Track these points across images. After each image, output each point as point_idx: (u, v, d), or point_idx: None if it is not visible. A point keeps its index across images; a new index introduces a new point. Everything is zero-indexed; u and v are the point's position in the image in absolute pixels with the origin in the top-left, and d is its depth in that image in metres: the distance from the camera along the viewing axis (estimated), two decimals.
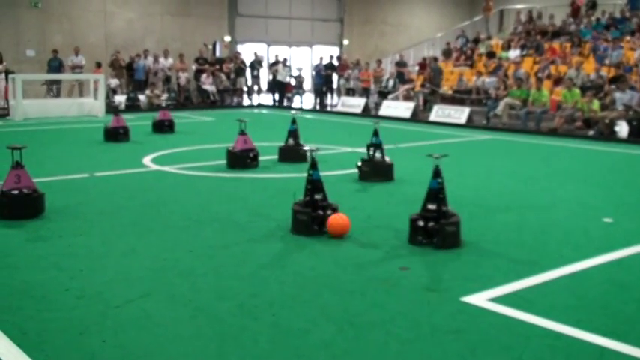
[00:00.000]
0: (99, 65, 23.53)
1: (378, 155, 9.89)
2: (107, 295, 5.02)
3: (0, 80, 21.76)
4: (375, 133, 9.97)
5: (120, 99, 22.86)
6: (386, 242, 6.54)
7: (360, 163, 9.97)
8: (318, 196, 6.89)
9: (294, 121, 11.77)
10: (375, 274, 5.58)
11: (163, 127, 15.95)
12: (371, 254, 6.14)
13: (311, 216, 6.74)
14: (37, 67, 23.39)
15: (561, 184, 9.96)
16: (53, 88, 22.98)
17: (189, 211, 7.88)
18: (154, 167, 11.02)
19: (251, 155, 10.98)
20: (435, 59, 25.10)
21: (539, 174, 10.72)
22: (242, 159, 10.90)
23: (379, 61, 25.78)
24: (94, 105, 20.79)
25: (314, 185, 6.89)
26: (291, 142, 11.73)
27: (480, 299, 4.99)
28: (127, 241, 6.52)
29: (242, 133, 11.08)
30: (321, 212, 6.79)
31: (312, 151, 7.06)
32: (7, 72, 21.42)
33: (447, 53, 26.22)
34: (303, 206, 6.85)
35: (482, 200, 8.62)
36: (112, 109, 21.48)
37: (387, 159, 9.94)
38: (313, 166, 6.92)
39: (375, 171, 9.85)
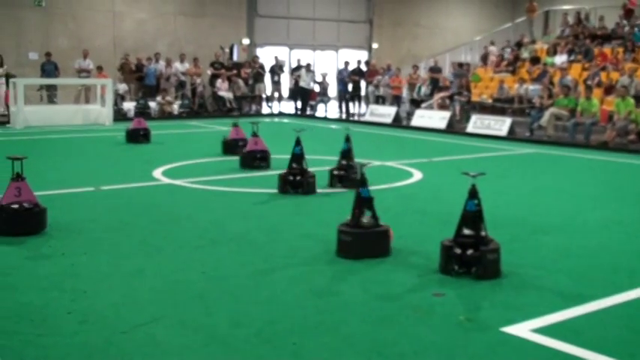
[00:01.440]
0: (100, 69, 23.70)
1: None
2: (113, 320, 5.04)
3: (0, 85, 22.07)
4: None
5: (128, 106, 23.08)
6: (418, 266, 6.51)
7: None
8: (367, 214, 6.75)
9: (347, 139, 10.68)
10: (406, 301, 5.55)
11: (138, 136, 15.99)
12: (402, 279, 6.11)
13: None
14: (39, 71, 23.69)
15: (612, 203, 9.84)
16: (45, 94, 23.10)
17: (203, 228, 7.91)
18: (165, 180, 11.09)
19: (258, 156, 12.04)
20: (460, 65, 25.03)
21: (588, 192, 10.62)
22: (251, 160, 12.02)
23: (415, 67, 25.76)
24: (100, 112, 21.01)
25: (363, 203, 6.72)
26: (344, 163, 10.57)
27: (522, 330, 4.93)
28: (135, 261, 6.56)
29: (254, 134, 12.21)
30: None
31: (362, 165, 6.95)
32: (8, 76, 21.69)
33: (485, 58, 26.20)
34: (351, 227, 6.71)
35: (525, 221, 8.55)
36: (120, 116, 21.79)
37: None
38: (363, 183, 6.77)
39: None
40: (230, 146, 14.18)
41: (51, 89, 23.33)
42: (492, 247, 6.17)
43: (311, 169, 10.17)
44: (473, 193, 6.19)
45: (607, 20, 25.76)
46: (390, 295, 5.68)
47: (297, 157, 9.95)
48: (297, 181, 9.88)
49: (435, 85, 23.86)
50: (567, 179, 12.05)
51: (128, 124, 16.80)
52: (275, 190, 10.20)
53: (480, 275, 6.05)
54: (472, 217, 6.17)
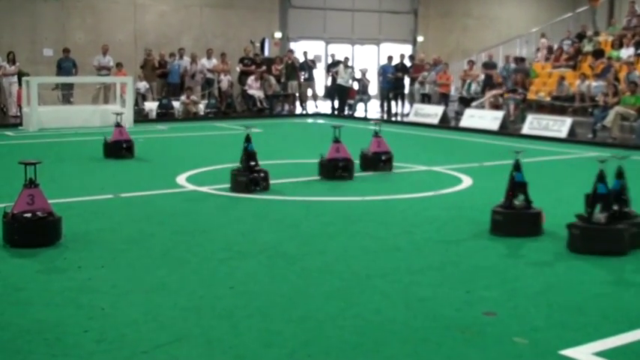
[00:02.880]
0: (119, 66, 23.95)
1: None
2: (132, 339, 5.09)
3: (12, 84, 22.41)
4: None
5: (150, 106, 23.30)
6: (467, 281, 6.48)
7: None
8: (518, 201, 8.26)
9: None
10: (453, 320, 5.52)
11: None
12: (448, 295, 6.09)
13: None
14: (55, 69, 24.01)
15: None
16: (60, 94, 23.37)
17: (231, 240, 7.96)
18: (190, 187, 11.17)
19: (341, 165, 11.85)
20: (522, 59, 24.84)
21: None
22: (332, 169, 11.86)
23: (471, 62, 25.59)
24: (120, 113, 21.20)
25: (517, 187, 8.26)
26: (252, 164, 10.85)
27: (583, 353, 4.89)
28: (157, 275, 6.62)
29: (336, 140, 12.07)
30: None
31: (517, 152, 8.47)
32: (21, 74, 21.98)
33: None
34: (505, 208, 8.25)
35: None
36: (141, 117, 22.00)
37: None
38: (517, 167, 8.34)
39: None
40: (112, 149, 14.14)
41: (67, 88, 23.58)
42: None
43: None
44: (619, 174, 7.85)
45: None
46: (435, 313, 5.66)
47: (253, 155, 10.89)
48: (259, 178, 10.81)
49: (487, 82, 23.71)
50: (636, 186, 11.87)
51: (109, 133, 16.03)
52: (311, 197, 10.24)
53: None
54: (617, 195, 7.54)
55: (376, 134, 12.90)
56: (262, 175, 10.90)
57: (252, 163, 10.84)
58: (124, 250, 7.47)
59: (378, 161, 12.61)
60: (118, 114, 15.00)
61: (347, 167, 11.88)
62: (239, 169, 10.87)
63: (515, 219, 8.22)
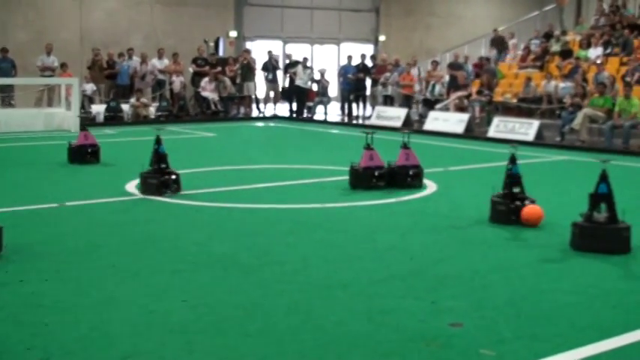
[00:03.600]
0: (64, 67, 23.65)
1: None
2: (79, 357, 5.03)
3: None
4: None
5: (98, 109, 23.09)
6: (433, 291, 6.52)
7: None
8: (516, 189, 9.30)
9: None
10: (418, 332, 5.54)
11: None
12: (412, 306, 6.12)
13: (509, 207, 9.16)
14: None
15: None
16: (2, 97, 23.00)
17: (184, 250, 7.91)
18: (140, 195, 11.09)
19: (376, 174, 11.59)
20: (488, 59, 25.12)
21: (630, 206, 10.61)
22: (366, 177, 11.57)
23: (434, 62, 25.77)
24: (65, 117, 21.02)
25: (512, 179, 9.32)
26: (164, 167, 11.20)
27: None
28: (106, 288, 6.56)
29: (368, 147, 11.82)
30: (518, 204, 9.19)
31: (513, 146, 9.50)
32: None
33: (498, 43, 26.20)
34: (502, 197, 9.27)
35: (560, 238, 8.56)
36: (87, 121, 21.79)
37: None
38: (513, 160, 9.27)
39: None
40: (77, 154, 14.24)
41: (7, 90, 23.23)
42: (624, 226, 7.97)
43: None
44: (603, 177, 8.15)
45: None
46: (399, 324, 5.68)
47: (164, 157, 11.16)
48: (170, 181, 11.10)
49: (452, 84, 23.88)
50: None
51: (73, 138, 16.04)
52: (269, 205, 10.23)
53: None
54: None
55: (405, 146, 12.11)
56: (173, 177, 11.21)
57: (163, 166, 11.16)
58: (69, 263, 7.38)
59: (405, 176, 11.80)
60: (81, 116, 14.99)
61: (383, 176, 11.66)
62: (148, 172, 11.17)
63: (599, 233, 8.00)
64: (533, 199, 9.40)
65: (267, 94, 26.94)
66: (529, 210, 9.18)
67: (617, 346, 5.32)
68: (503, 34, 28.58)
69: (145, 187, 11.13)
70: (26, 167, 13.90)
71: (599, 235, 7.94)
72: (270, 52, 27.13)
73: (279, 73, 27.30)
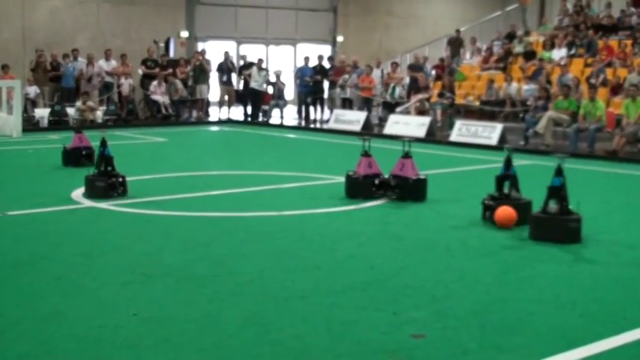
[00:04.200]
0: (6, 68, 23.32)
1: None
2: None
3: None
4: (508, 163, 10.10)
5: (41, 113, 22.84)
6: (394, 301, 6.55)
7: (487, 201, 10.02)
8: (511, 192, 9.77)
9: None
10: (379, 344, 5.56)
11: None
12: (373, 317, 6.13)
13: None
14: None
15: (623, 224, 10.02)
16: None
17: (134, 261, 7.86)
18: (87, 203, 11.00)
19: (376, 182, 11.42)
20: (442, 60, 25.33)
21: (595, 211, 10.77)
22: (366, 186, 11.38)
23: (394, 64, 25.89)
24: (6, 121, 20.77)
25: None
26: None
27: None
28: (50, 302, 6.49)
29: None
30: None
31: (509, 149, 9.79)
32: None
33: (454, 44, 26.43)
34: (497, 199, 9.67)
35: (520, 244, 8.65)
36: (31, 125, 21.57)
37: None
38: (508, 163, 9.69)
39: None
40: (71, 157, 14.63)
41: None
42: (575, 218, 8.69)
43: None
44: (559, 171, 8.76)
45: (614, 8, 26.22)
46: (361, 339, 5.69)
47: (109, 159, 11.56)
48: (117, 183, 11.43)
49: (413, 86, 24.00)
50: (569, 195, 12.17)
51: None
52: (222, 213, 10.20)
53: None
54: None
55: (366, 153, 11.69)
56: (120, 180, 11.51)
57: (109, 168, 11.52)
58: (11, 275, 7.30)
59: (371, 186, 11.45)
60: (76, 119, 15.21)
61: (383, 184, 11.38)
62: (94, 174, 11.54)
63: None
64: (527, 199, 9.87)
65: (222, 97, 26.85)
66: (502, 213, 9.45)
67: (585, 356, 5.39)
68: (465, 35, 28.85)
69: (92, 191, 11.38)
70: None
71: (552, 225, 8.82)
72: (226, 53, 27.07)
73: (235, 76, 27.23)
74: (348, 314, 6.21)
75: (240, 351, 5.42)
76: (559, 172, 8.87)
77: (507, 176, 9.95)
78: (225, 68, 26.48)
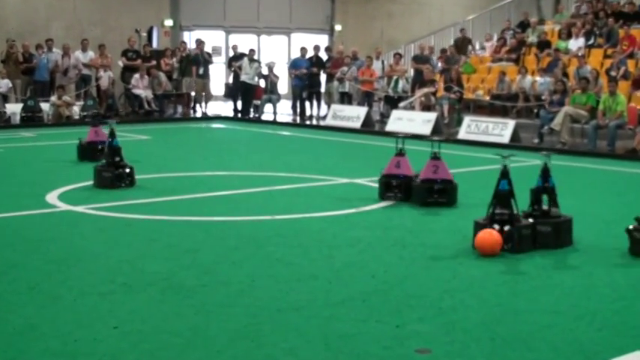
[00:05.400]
0: None
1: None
2: None
3: None
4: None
5: (13, 109, 22.81)
6: (397, 313, 6.55)
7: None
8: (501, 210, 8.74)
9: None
10: (382, 359, 5.58)
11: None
12: (374, 330, 6.14)
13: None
14: None
15: None
16: None
17: (114, 269, 7.86)
18: (63, 206, 11.00)
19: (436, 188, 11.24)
20: (445, 50, 25.33)
21: (614, 215, 10.78)
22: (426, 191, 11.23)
23: (397, 55, 25.84)
24: None
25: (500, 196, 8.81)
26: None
27: None
28: (23, 314, 6.49)
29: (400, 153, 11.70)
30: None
31: (504, 157, 8.87)
32: None
33: (461, 45, 26.39)
34: (488, 222, 8.71)
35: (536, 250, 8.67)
36: (2, 122, 21.55)
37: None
38: (504, 175, 8.78)
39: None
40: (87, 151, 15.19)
41: None
42: (525, 224, 8.54)
43: None
44: (504, 174, 8.62)
45: None
46: (361, 354, 5.69)
47: (118, 150, 12.49)
48: (124, 174, 12.37)
49: (418, 79, 23.96)
50: (588, 199, 12.20)
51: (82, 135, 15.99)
52: (211, 217, 10.21)
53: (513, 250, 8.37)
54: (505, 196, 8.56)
55: (400, 152, 11.77)
56: (128, 170, 12.44)
57: (117, 159, 12.39)
58: None
59: (430, 191, 11.28)
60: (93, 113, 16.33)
61: (445, 190, 11.26)
62: (103, 165, 12.47)
63: None
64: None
65: (200, 92, 26.61)
66: (482, 240, 8.59)
67: None
68: (474, 23, 28.82)
69: (99, 181, 12.35)
70: None
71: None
72: (200, 42, 26.80)
73: (214, 68, 27.02)
74: (346, 327, 6.22)
75: None
76: (504, 174, 8.70)
77: (545, 189, 9.03)
78: (200, 60, 26.23)
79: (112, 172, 12.26)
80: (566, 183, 13.70)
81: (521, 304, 6.87)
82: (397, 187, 11.46)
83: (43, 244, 8.93)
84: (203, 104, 26.74)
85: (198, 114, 26.33)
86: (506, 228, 8.53)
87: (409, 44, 29.86)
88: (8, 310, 6.59)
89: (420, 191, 11.24)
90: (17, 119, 22.51)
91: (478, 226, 8.70)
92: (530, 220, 8.76)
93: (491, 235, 8.49)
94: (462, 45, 27.28)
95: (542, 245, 8.71)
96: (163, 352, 5.69)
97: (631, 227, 8.57)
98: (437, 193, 11.22)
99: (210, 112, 26.38)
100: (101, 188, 12.17)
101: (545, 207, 8.94)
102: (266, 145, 19.45)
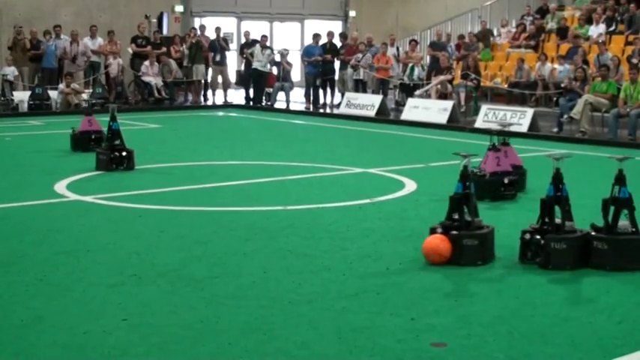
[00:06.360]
0: None
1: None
2: None
3: None
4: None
5: (21, 96, 22.87)
6: (412, 306, 6.56)
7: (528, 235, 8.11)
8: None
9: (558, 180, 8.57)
10: (395, 353, 5.58)
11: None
12: (389, 323, 6.15)
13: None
14: None
15: None
16: None
17: (124, 261, 7.89)
18: (72, 196, 11.03)
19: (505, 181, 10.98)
20: (463, 37, 25.26)
21: (637, 208, 10.74)
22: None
23: (413, 42, 25.77)
24: None
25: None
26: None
27: None
28: (31, 306, 6.52)
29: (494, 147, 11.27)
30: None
31: (465, 156, 8.41)
32: None
33: (483, 38, 26.29)
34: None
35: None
36: (9, 110, 21.61)
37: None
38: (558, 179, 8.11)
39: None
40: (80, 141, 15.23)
41: None
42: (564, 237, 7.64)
43: None
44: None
45: None
46: (375, 347, 5.69)
47: (118, 133, 12.97)
48: (121, 157, 12.77)
49: (434, 67, 23.92)
50: (606, 188, 12.14)
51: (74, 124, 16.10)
52: (222, 207, 10.23)
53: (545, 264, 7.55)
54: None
55: (494, 147, 11.37)
56: (125, 154, 12.83)
57: (117, 142, 12.86)
58: None
59: (501, 185, 11.03)
60: (86, 101, 17.89)
61: (513, 183, 11.08)
62: (102, 148, 13.03)
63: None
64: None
65: (215, 79, 26.69)
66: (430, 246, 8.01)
67: None
68: (492, 9, 28.73)
69: (97, 164, 12.88)
70: None
71: None
72: (218, 29, 26.87)
73: (230, 55, 27.04)
74: (360, 320, 6.22)
75: None
76: (464, 177, 8.19)
77: (558, 199, 8.01)
78: (217, 47, 26.28)
79: (107, 155, 12.70)
80: (587, 173, 13.68)
81: (539, 297, 6.86)
82: (511, 184, 11.05)
83: (52, 234, 8.96)
84: (220, 92, 26.74)
85: (209, 102, 26.34)
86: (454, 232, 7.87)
87: (425, 31, 29.77)
88: (16, 302, 6.61)
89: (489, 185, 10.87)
90: (25, 107, 22.56)
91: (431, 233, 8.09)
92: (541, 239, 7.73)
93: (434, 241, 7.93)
94: (484, 37, 27.18)
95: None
96: (173, 345, 5.71)
97: None
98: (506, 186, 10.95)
99: (220, 101, 26.35)
100: (99, 170, 12.70)
101: (558, 220, 7.89)
102: (278, 133, 19.44)
